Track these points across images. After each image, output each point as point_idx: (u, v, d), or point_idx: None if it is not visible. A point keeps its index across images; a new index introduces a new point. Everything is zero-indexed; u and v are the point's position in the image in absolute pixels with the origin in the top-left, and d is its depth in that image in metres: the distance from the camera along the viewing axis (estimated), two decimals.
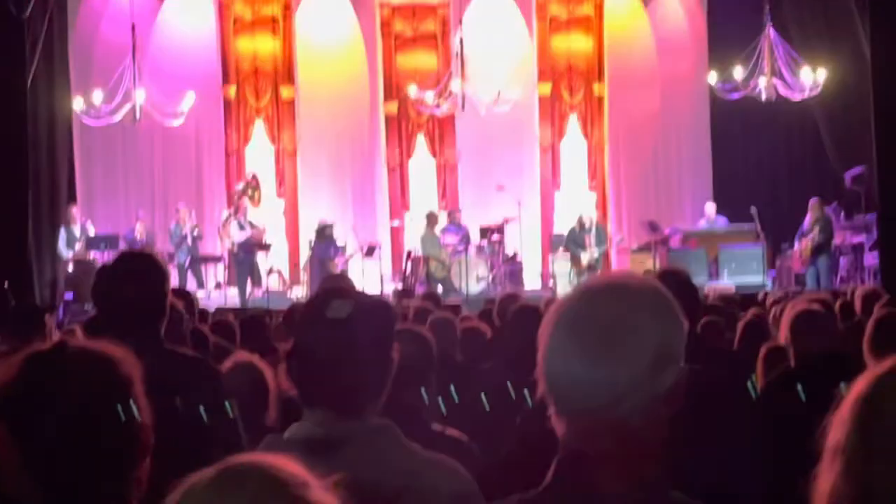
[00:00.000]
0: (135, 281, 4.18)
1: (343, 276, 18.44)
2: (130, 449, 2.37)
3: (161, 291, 4.24)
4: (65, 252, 20.31)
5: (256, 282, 21.00)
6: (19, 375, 2.35)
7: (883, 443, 2.12)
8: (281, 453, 1.98)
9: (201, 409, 4.02)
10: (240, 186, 21.75)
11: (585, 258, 20.88)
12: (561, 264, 21.58)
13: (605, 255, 21.82)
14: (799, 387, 5.23)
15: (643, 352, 2.11)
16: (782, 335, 6.13)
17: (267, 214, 21.89)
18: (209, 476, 1.77)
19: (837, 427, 2.21)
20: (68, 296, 19.39)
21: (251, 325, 9.03)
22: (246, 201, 21.31)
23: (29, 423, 2.30)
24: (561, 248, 21.88)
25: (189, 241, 21.17)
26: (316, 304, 2.83)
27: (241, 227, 20.99)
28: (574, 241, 21.09)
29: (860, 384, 2.21)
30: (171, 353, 4.25)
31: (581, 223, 21.17)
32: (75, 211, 20.95)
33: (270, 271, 21.52)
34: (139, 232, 20.87)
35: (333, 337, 2.75)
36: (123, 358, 2.40)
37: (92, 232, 20.87)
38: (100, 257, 20.12)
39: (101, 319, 4.31)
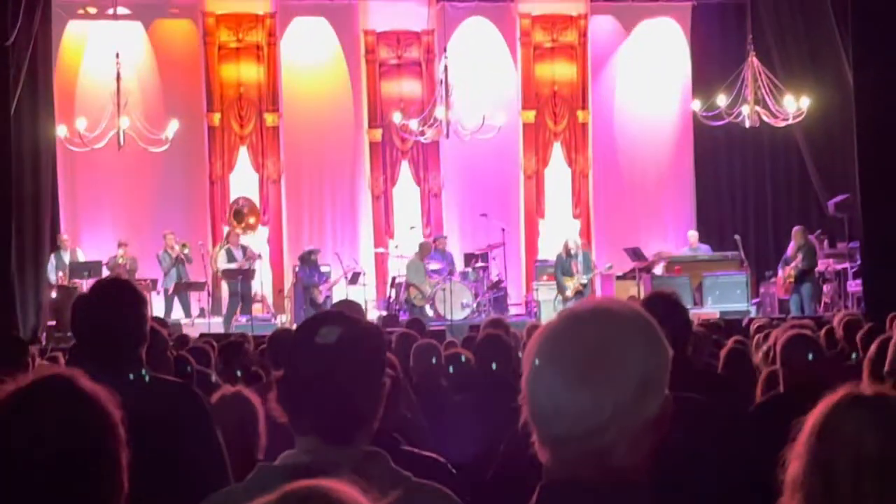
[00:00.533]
0: (112, 308, 4.12)
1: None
2: (108, 488, 2.34)
3: (140, 317, 4.18)
4: (53, 278, 20.37)
5: (246, 309, 21.01)
6: None
7: (838, 476, 2.12)
8: (272, 481, 1.96)
9: (186, 436, 3.99)
10: (232, 216, 21.78)
11: (572, 285, 20.89)
12: (545, 291, 21.58)
13: (591, 282, 21.84)
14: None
15: (628, 378, 2.07)
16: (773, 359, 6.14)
17: (251, 241, 21.85)
18: (272, 500, 1.75)
19: (795, 461, 2.21)
20: (51, 322, 19.34)
21: (230, 350, 9.01)
22: (238, 230, 21.41)
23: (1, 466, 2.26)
24: (545, 276, 21.91)
25: (177, 264, 21.18)
26: (305, 330, 2.81)
27: (232, 257, 21.04)
28: (561, 268, 21.11)
29: (812, 418, 2.20)
30: (155, 380, 4.22)
31: (567, 249, 21.19)
32: (66, 237, 21.02)
33: (255, 298, 21.51)
34: (122, 258, 20.84)
35: (322, 363, 2.72)
36: (100, 393, 2.37)
37: (83, 258, 20.90)
38: (83, 284, 20.09)
39: (82, 349, 4.27)
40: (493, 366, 6.68)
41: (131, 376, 4.01)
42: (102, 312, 4.13)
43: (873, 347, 6.27)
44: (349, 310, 7.03)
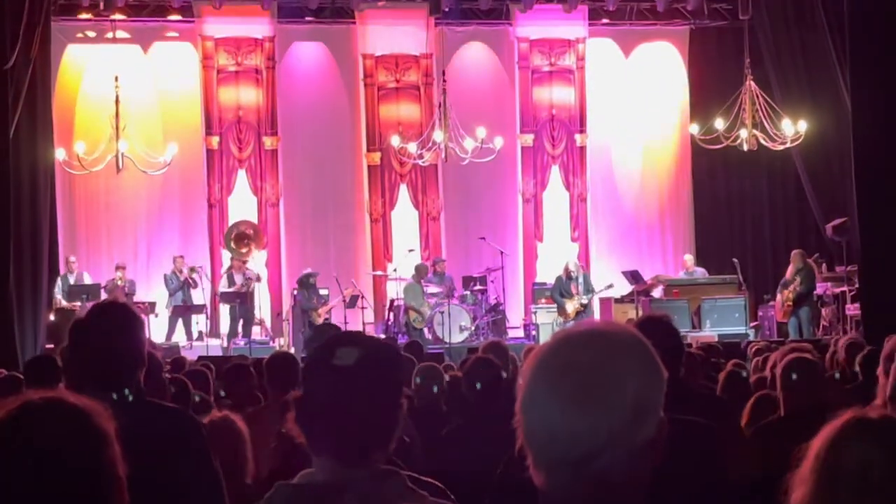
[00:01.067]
0: (110, 333, 4.10)
1: (333, 326, 18.54)
2: (109, 500, 2.33)
3: (137, 341, 4.16)
4: (63, 301, 20.50)
5: (247, 332, 21.05)
6: None
7: (843, 502, 2.10)
8: (290, 500, 1.96)
9: (182, 460, 3.98)
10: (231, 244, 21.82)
11: (572, 307, 20.89)
12: (544, 314, 21.58)
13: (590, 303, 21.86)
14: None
15: (623, 401, 2.05)
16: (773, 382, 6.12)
17: (249, 264, 21.85)
18: None
19: (800, 486, 2.19)
20: (49, 345, 19.31)
21: (235, 373, 8.98)
22: (238, 255, 21.48)
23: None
24: (544, 299, 21.93)
25: (184, 287, 21.25)
26: (323, 351, 2.80)
27: (231, 281, 21.15)
28: (561, 290, 21.11)
29: (818, 441, 2.18)
30: (152, 404, 4.21)
31: (568, 272, 21.19)
32: (74, 260, 21.11)
33: (255, 322, 21.55)
34: (121, 280, 20.87)
35: (341, 385, 2.72)
36: (96, 411, 2.36)
37: (89, 281, 20.98)
38: (81, 307, 20.12)
39: (79, 373, 4.25)
40: (478, 385, 6.65)
41: (130, 398, 4.00)
42: (100, 335, 4.11)
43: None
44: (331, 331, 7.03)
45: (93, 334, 4.14)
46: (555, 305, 21.41)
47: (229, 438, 5.08)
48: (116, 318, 4.18)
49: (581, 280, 21.10)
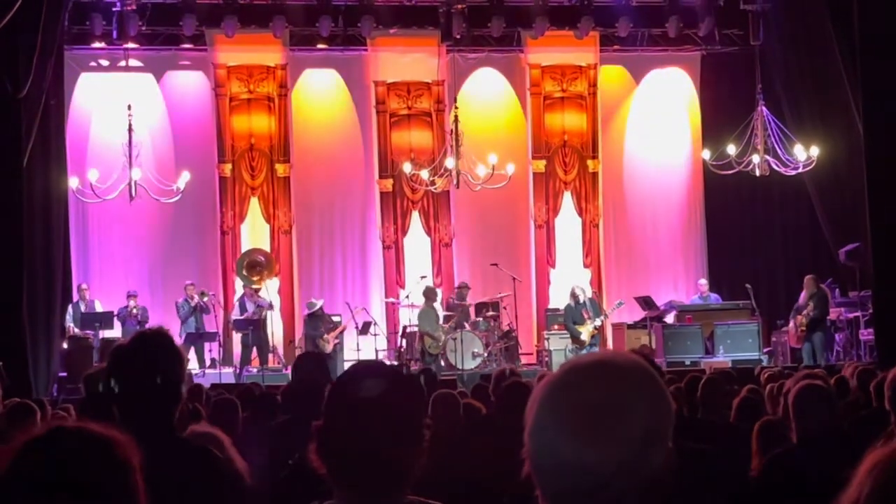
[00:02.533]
0: (155, 366, 4.01)
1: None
2: None
3: (179, 377, 4.10)
4: (75, 328, 20.54)
5: (262, 359, 21.09)
6: (14, 462, 2.32)
7: None
8: None
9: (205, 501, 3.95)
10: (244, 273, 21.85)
11: (586, 332, 20.81)
12: (556, 340, 21.55)
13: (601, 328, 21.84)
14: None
15: (632, 433, 2.03)
16: (786, 409, 6.09)
17: (262, 292, 21.86)
18: None
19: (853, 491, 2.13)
20: (62, 374, 19.34)
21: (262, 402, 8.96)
22: (249, 284, 21.53)
23: None
24: (556, 325, 21.91)
25: (196, 312, 21.30)
26: (346, 384, 2.79)
27: (244, 308, 21.21)
28: (572, 317, 21.08)
29: (867, 478, 2.13)
30: (181, 442, 4.15)
31: (575, 297, 21.16)
32: (86, 287, 21.16)
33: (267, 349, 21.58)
34: (135, 309, 20.92)
35: (365, 418, 2.71)
36: (121, 440, 2.37)
37: (101, 309, 21.03)
38: (94, 335, 20.18)
39: (119, 401, 4.15)
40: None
41: (159, 437, 3.92)
42: (146, 369, 4.01)
43: None
44: (317, 361, 6.99)
45: (137, 365, 4.03)
46: (567, 332, 21.31)
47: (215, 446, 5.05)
48: (162, 349, 4.07)
49: (589, 305, 21.10)
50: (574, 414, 2.05)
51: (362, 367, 2.86)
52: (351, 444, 2.71)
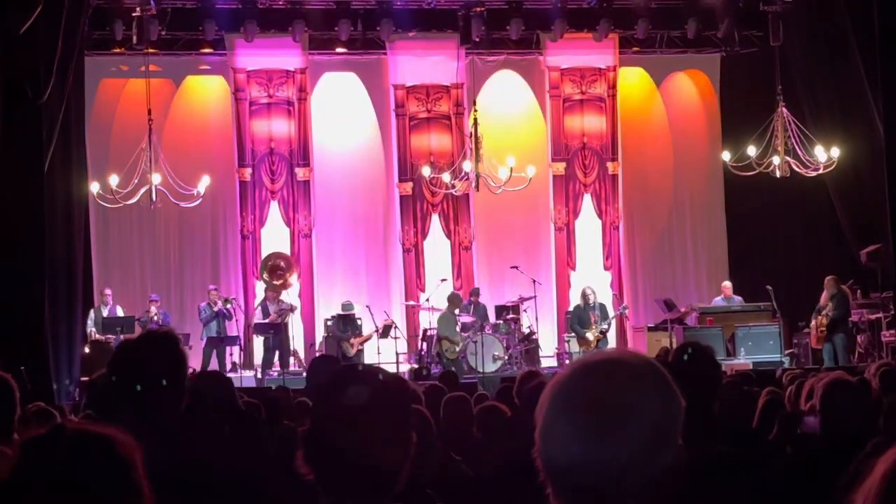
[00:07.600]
0: (155, 364, 4.07)
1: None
2: None
3: (180, 377, 4.14)
4: (96, 333, 20.61)
5: (284, 363, 21.12)
6: (17, 462, 2.33)
7: None
8: None
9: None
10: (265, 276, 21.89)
11: (592, 335, 20.87)
12: (576, 343, 21.57)
13: (609, 331, 21.84)
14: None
15: (642, 430, 2.05)
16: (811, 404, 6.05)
17: (283, 295, 21.89)
18: None
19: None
20: (84, 378, 19.38)
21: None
22: (272, 287, 21.57)
23: None
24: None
25: (217, 318, 21.34)
26: (332, 390, 2.79)
27: (266, 312, 21.25)
28: (580, 320, 21.12)
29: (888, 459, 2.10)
30: (191, 437, 4.19)
31: (585, 297, 21.17)
32: (109, 292, 21.21)
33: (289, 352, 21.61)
34: (156, 314, 20.96)
35: (351, 424, 2.71)
36: (122, 439, 2.38)
37: (121, 314, 21.09)
38: (115, 340, 20.22)
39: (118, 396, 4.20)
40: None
41: (167, 428, 3.98)
42: (148, 364, 4.07)
43: None
44: (331, 365, 6.99)
45: (140, 359, 4.10)
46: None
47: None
48: (165, 347, 4.15)
49: (597, 308, 21.11)
50: (584, 412, 2.07)
51: (349, 373, 2.85)
52: (337, 451, 2.71)
